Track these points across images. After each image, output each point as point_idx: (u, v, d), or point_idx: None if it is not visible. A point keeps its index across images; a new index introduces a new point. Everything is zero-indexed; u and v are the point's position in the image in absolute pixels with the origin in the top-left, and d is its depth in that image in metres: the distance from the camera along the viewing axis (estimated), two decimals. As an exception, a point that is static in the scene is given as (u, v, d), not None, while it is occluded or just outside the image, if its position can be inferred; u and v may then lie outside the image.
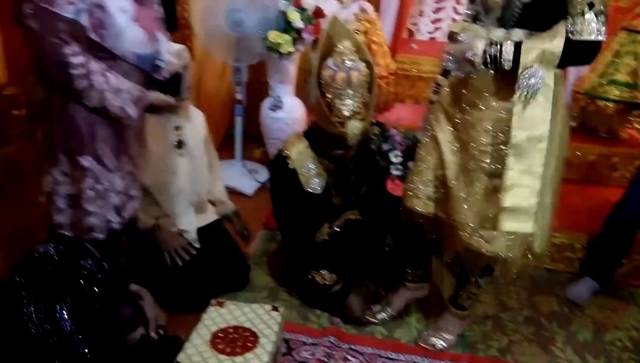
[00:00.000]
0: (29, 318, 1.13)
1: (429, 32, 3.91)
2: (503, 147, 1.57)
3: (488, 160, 1.62)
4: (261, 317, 1.67)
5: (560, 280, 2.44)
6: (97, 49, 1.31)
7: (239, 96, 3.05)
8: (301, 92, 3.39)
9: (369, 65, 1.89)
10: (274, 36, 2.67)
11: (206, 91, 3.16)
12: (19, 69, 1.75)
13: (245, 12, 2.64)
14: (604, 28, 1.43)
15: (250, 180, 3.13)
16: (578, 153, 2.96)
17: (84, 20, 1.27)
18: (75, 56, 1.28)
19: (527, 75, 1.46)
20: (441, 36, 3.87)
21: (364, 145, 2.05)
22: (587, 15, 1.40)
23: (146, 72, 1.42)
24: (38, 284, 1.17)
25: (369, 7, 3.13)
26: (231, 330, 1.60)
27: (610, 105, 2.91)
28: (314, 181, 2.03)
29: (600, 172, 2.98)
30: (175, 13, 2.83)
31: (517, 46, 1.48)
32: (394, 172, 1.97)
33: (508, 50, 1.48)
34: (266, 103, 3.03)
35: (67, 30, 1.26)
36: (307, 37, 2.75)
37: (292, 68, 2.98)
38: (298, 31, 2.72)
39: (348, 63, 1.83)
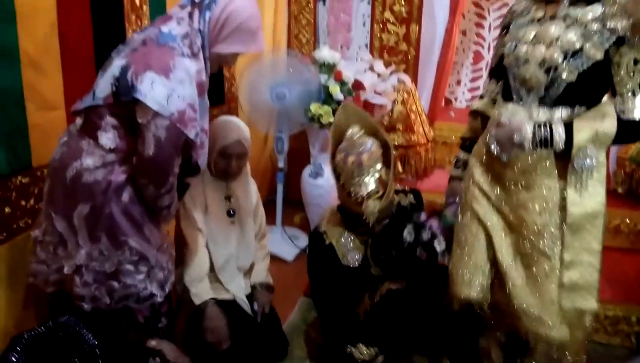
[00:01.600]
0: None
1: (467, 100, 3.97)
2: (559, 227, 1.51)
3: (545, 242, 1.53)
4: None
5: (617, 355, 2.30)
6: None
7: (280, 164, 3.15)
8: (341, 159, 3.46)
9: (384, 144, 1.93)
10: (316, 108, 2.79)
11: (250, 160, 3.27)
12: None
13: (288, 87, 2.79)
14: None
15: (290, 246, 3.16)
16: (627, 220, 2.87)
17: (198, 140, 1.51)
18: (177, 166, 1.51)
19: (581, 155, 1.42)
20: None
21: (399, 215, 2.05)
22: (638, 95, 1.38)
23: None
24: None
25: (407, 79, 3.23)
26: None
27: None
28: (350, 255, 2.02)
29: (652, 240, 2.86)
30: (223, 88, 3.01)
31: (567, 126, 1.43)
32: (440, 259, 1.85)
33: (560, 131, 1.43)
34: (307, 170, 3.11)
35: (184, 146, 1.49)
36: (347, 108, 2.84)
37: (332, 137, 3.07)
38: (338, 102, 2.83)
39: (357, 146, 1.88)
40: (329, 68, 2.89)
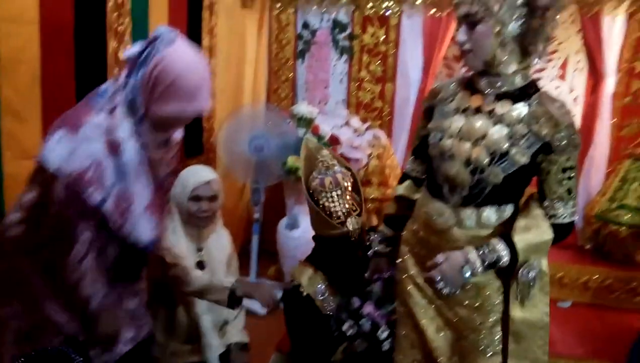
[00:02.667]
0: None
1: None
2: (500, 327, 1.44)
3: (483, 340, 1.44)
4: None
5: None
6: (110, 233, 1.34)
7: (256, 215, 3.16)
8: (317, 212, 3.49)
9: (349, 169, 1.99)
10: (292, 161, 2.84)
11: (225, 210, 3.27)
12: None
13: (266, 139, 2.85)
14: (576, 208, 1.39)
15: (264, 298, 3.12)
16: (595, 276, 2.95)
17: (109, 206, 1.30)
18: (83, 233, 1.32)
19: (525, 271, 1.36)
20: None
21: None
22: (568, 201, 1.36)
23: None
24: None
25: (382, 134, 3.33)
26: None
27: (623, 229, 2.94)
28: (330, 303, 2.02)
29: (619, 297, 2.93)
30: (202, 138, 3.05)
31: (507, 240, 1.35)
32: (385, 347, 1.70)
33: (502, 251, 1.34)
34: (283, 222, 3.13)
35: (90, 213, 1.30)
36: (324, 161, 2.90)
37: (308, 190, 3.11)
38: (315, 156, 2.88)
39: (331, 168, 1.93)
40: (306, 122, 2.97)
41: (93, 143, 1.27)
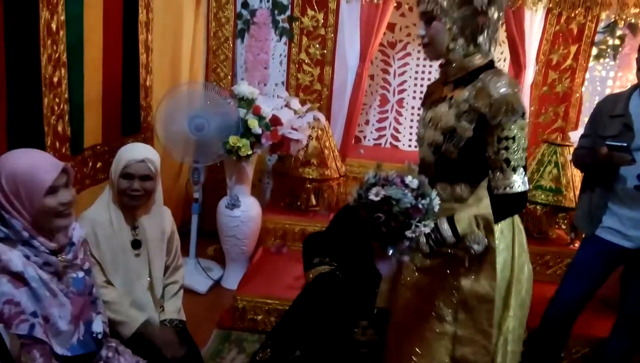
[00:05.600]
0: None
1: (374, 139, 4.25)
2: (455, 297, 1.53)
3: (440, 303, 1.55)
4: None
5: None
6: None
7: (196, 195, 3.14)
8: (257, 191, 3.54)
9: None
10: (234, 140, 2.85)
11: (163, 189, 3.23)
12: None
13: (206, 118, 2.82)
14: (525, 178, 1.44)
15: (203, 278, 3.13)
16: (514, 251, 3.21)
17: (39, 332, 1.36)
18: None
19: (470, 240, 1.42)
20: (384, 142, 4.22)
21: None
22: (506, 171, 1.42)
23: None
24: None
25: (322, 117, 3.41)
26: None
27: (538, 208, 3.22)
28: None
29: (535, 269, 3.17)
30: (139, 117, 2.97)
31: (451, 219, 1.44)
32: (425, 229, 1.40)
33: (445, 228, 1.42)
34: (223, 202, 3.13)
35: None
36: (265, 141, 2.94)
37: (249, 169, 3.14)
38: (256, 136, 2.91)
39: None
40: (247, 103, 2.97)
41: None
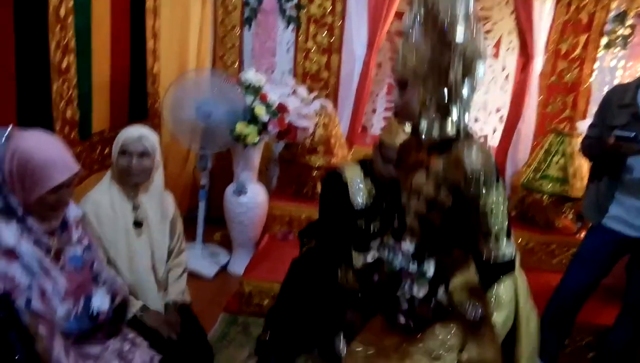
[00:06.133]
0: None
1: (381, 128, 4.25)
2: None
3: None
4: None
5: None
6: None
7: (203, 181, 3.16)
8: (264, 178, 3.55)
9: None
10: (241, 128, 2.85)
11: (169, 175, 3.24)
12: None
13: (214, 105, 2.83)
14: (510, 244, 1.39)
15: (210, 263, 3.16)
16: (519, 240, 3.22)
17: (36, 305, 1.36)
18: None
19: (465, 308, 1.38)
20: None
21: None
22: (489, 241, 1.37)
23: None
24: None
25: (329, 104, 3.40)
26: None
27: (545, 197, 3.22)
28: (359, 196, 2.19)
29: (540, 258, 3.22)
30: (146, 103, 2.99)
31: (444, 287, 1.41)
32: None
33: (441, 294, 1.40)
34: (230, 188, 3.15)
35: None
36: (272, 129, 2.95)
37: (256, 156, 3.15)
38: (263, 123, 2.92)
39: None
40: (254, 90, 2.98)
41: None
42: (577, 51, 3.50)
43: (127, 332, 1.70)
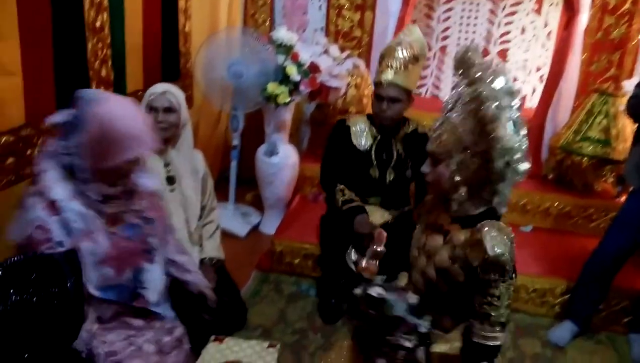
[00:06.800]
0: None
1: (415, 88, 4.15)
2: None
3: None
4: (259, 353, 1.73)
5: (543, 324, 2.55)
6: None
7: (235, 142, 3.18)
8: (295, 139, 3.55)
9: None
10: (272, 88, 2.84)
11: (202, 136, 3.29)
12: (36, 111, 1.86)
13: (245, 65, 2.81)
14: (503, 335, 1.36)
15: (242, 222, 3.22)
16: (556, 204, 3.14)
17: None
18: None
19: None
20: (425, 92, 4.12)
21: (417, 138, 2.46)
22: (485, 324, 1.35)
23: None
24: None
25: (361, 64, 3.34)
26: (230, 366, 1.64)
27: (585, 160, 3.11)
28: (362, 137, 2.45)
29: (577, 222, 3.14)
30: (179, 64, 2.99)
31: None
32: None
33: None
34: (262, 149, 3.16)
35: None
36: (304, 89, 2.92)
37: (287, 116, 3.14)
38: (295, 83, 2.89)
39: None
40: (286, 49, 2.93)
41: (34, 210, 1.36)
42: (627, 5, 3.29)
43: (171, 321, 1.63)
